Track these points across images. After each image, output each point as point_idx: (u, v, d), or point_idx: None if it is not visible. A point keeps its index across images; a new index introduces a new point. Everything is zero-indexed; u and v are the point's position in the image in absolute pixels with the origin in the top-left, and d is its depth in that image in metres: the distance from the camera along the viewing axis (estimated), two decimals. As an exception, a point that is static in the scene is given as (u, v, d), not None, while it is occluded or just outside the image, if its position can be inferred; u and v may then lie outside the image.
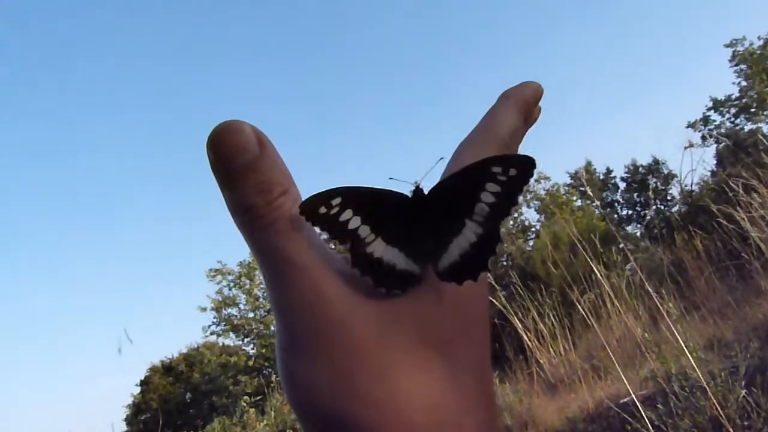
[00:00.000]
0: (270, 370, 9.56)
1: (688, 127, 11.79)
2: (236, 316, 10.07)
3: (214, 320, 10.09)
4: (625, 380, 2.57)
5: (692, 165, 11.88)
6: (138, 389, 11.06)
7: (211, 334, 10.50)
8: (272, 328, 9.97)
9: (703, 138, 11.53)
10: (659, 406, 2.41)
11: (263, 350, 9.58)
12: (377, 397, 0.23)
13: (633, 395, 2.27)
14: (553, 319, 5.23)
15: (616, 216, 11.68)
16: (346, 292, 0.25)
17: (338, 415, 0.23)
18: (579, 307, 5.06)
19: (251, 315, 10.12)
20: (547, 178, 12.10)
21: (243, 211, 0.25)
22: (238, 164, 0.24)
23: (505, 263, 9.95)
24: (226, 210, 0.26)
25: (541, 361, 4.75)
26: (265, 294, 10.12)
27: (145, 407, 10.76)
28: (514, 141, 0.31)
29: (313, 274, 0.25)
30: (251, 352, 9.91)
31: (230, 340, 10.59)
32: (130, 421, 10.73)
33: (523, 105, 0.31)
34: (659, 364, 3.03)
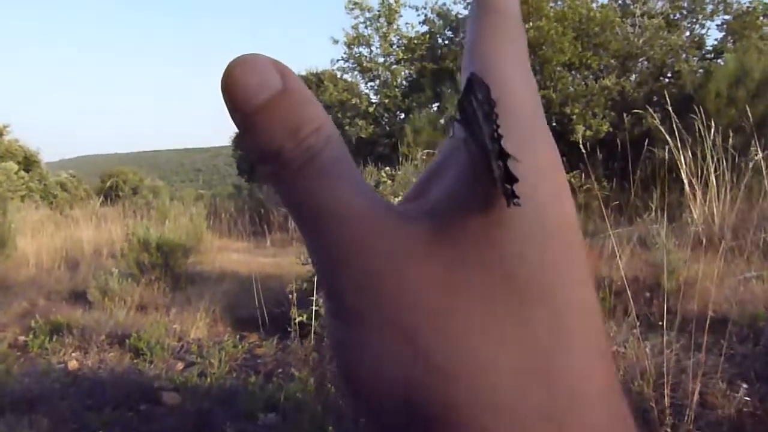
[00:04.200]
0: (386, 119, 9.56)
1: None
2: (366, 57, 9.74)
3: (344, 56, 9.84)
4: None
5: None
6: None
7: (338, 69, 10.36)
8: (399, 80, 9.68)
9: None
10: None
11: (386, 100, 9.42)
12: (448, 362, 0.18)
13: None
14: (722, 164, 4.52)
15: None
16: (395, 237, 0.20)
17: (397, 386, 0.19)
18: (760, 159, 4.36)
19: (381, 60, 9.75)
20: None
21: (269, 157, 0.20)
22: (258, 103, 0.19)
23: (662, 80, 8.79)
24: None
25: (695, 211, 4.32)
26: (399, 40, 9.63)
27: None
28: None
29: (354, 223, 0.20)
30: (374, 99, 9.80)
31: (355, 81, 10.47)
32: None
33: None
34: None
